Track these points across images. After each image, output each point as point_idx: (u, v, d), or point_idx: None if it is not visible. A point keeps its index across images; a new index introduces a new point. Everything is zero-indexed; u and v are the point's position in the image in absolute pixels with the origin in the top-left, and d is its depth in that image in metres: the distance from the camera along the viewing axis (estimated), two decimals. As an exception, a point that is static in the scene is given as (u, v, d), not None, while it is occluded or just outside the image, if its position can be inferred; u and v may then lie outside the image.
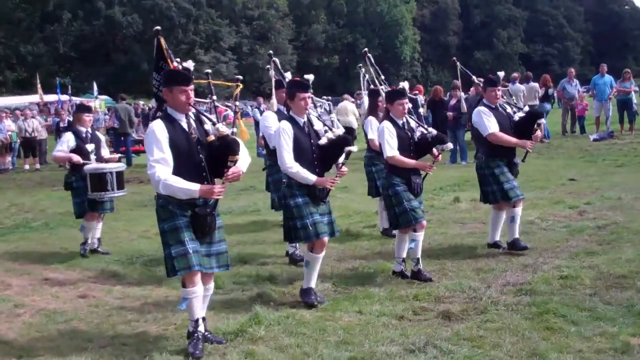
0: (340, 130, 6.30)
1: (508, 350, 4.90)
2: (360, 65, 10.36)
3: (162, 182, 4.85)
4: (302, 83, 6.37)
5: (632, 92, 20.60)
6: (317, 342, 5.20)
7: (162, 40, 7.12)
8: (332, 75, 74.89)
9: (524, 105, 10.07)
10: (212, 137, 5.06)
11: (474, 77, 9.38)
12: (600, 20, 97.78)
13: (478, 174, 7.90)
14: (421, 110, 14.83)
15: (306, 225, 6.10)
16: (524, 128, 7.73)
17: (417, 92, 15.61)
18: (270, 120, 7.59)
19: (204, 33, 67.12)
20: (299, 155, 6.09)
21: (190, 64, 5.90)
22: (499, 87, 7.91)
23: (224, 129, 5.02)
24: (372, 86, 9.18)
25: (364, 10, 78.81)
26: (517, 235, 7.70)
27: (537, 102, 19.01)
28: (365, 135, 9.07)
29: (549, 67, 72.97)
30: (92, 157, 8.70)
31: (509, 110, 7.99)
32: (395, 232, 7.41)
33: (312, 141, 6.21)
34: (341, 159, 6.36)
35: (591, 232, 8.36)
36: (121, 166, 8.89)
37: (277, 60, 8.13)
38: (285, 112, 7.16)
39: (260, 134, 8.46)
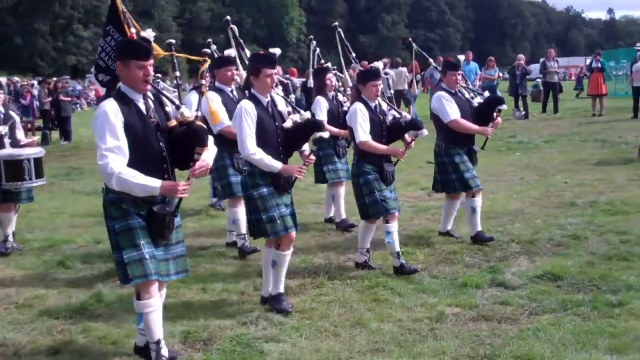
0: (307, 114, 5.70)
1: (334, 320, 5.29)
2: (312, 37, 9.82)
3: (116, 176, 4.05)
4: (269, 57, 5.66)
5: (496, 80, 21.69)
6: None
7: (119, 1, 6.03)
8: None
9: (406, 91, 10.01)
10: (173, 122, 4.38)
11: (430, 60, 9.28)
12: (480, 8, 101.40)
13: (437, 161, 7.54)
14: (292, 96, 14.47)
15: (273, 219, 5.45)
16: (484, 114, 7.51)
17: (288, 75, 15.67)
18: (215, 101, 6.87)
19: (82, 7, 64.56)
20: (262, 140, 5.41)
21: (149, 34, 4.77)
22: (460, 71, 7.64)
23: (188, 113, 4.40)
24: (322, 62, 8.86)
25: (252, -10, 78.39)
26: (479, 228, 7.49)
27: (405, 86, 19.70)
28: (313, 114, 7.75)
29: (431, 53, 74.64)
30: (6, 141, 7.58)
31: (467, 95, 7.71)
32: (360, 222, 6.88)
33: (276, 124, 5.55)
34: (306, 146, 5.85)
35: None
36: (40, 152, 7.75)
37: (235, 28, 7.42)
38: (228, 92, 7.10)
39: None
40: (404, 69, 20.44)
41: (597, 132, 17.13)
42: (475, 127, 7.34)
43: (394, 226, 6.53)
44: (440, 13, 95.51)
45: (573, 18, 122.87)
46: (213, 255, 7.35)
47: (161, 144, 4.34)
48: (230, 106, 6.75)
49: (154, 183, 4.16)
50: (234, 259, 7.20)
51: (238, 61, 7.41)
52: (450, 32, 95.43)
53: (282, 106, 5.78)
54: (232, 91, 7.30)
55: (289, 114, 5.71)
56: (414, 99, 21.51)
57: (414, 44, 9.45)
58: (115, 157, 4.08)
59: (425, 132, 6.59)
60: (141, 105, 4.34)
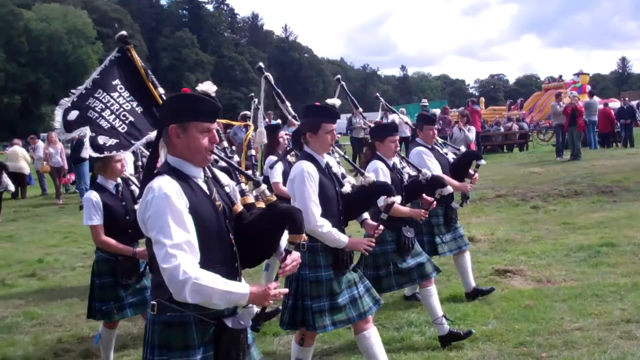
0: (372, 176, 4.92)
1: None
2: (252, 94, 8.99)
3: (192, 283, 2.87)
4: (329, 110, 4.81)
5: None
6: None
7: (134, 54, 5.10)
8: (13, 116, 70.88)
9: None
10: (240, 207, 3.37)
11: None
12: (282, 67, 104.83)
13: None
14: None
15: (323, 310, 4.58)
16: (461, 169, 7.26)
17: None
18: None
19: None
20: (323, 209, 4.57)
21: (210, 87, 3.47)
22: (436, 126, 7.39)
23: (268, 192, 3.36)
24: (265, 118, 7.91)
25: (48, 49, 75.71)
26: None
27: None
28: (266, 177, 7.30)
29: (237, 110, 76.17)
30: None
31: (439, 149, 7.34)
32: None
33: (336, 188, 4.75)
34: (366, 214, 5.13)
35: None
36: None
37: (270, 76, 6.01)
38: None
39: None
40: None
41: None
42: (455, 182, 7.01)
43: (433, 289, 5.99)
44: (244, 72, 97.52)
45: (370, 75, 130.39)
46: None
47: (230, 235, 3.26)
48: None
49: (242, 289, 3.02)
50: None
51: (261, 114, 6.55)
52: (255, 90, 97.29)
53: (336, 167, 5.00)
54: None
55: (343, 176, 4.97)
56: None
57: (381, 100, 8.49)
58: (187, 257, 2.92)
59: (449, 189, 6.15)
60: (202, 184, 3.25)
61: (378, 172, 5.62)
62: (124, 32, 5.10)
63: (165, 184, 3.02)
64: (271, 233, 3.32)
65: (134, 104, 5.01)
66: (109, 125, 4.90)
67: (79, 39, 76.23)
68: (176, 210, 2.97)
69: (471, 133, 15.20)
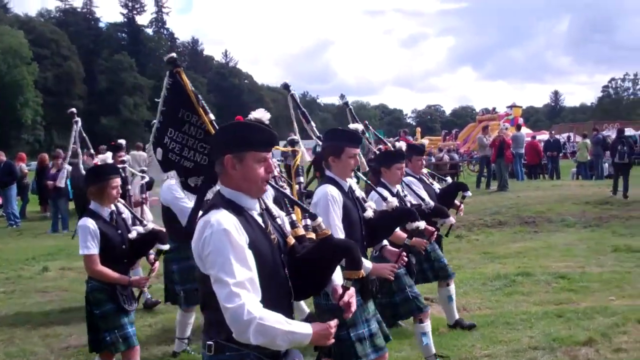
0: (395, 200, 4.85)
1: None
2: None
3: (257, 324, 2.71)
4: (352, 134, 4.77)
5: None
6: None
7: (184, 77, 4.66)
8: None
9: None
10: (291, 240, 3.20)
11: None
12: (222, 93, 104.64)
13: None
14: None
15: (362, 338, 4.41)
16: (447, 200, 7.21)
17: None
18: (179, 190, 5.67)
19: None
20: (347, 234, 4.44)
21: (264, 115, 3.29)
22: (425, 156, 7.32)
23: (323, 225, 3.13)
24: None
25: (-19, 69, 74.00)
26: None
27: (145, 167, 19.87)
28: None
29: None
30: None
31: (426, 180, 7.28)
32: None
33: (359, 213, 4.64)
34: (385, 241, 5.02)
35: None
36: None
37: (296, 94, 5.77)
38: None
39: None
40: (144, 153, 20.66)
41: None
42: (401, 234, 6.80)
43: (428, 326, 5.97)
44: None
45: (309, 103, 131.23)
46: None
47: (285, 270, 3.08)
48: None
49: (305, 329, 2.86)
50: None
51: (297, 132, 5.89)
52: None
53: (358, 191, 4.91)
54: None
55: (364, 200, 4.88)
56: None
57: (349, 108, 7.53)
58: (250, 296, 2.76)
59: (452, 220, 6.02)
60: (257, 217, 3.08)
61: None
62: (173, 55, 4.71)
63: (223, 219, 2.85)
64: (325, 267, 3.14)
65: (204, 127, 4.62)
66: (192, 164, 4.61)
67: (15, 59, 74.70)
68: (237, 246, 2.80)
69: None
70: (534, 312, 7.63)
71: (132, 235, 5.28)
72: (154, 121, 4.85)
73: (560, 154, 31.92)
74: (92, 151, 8.38)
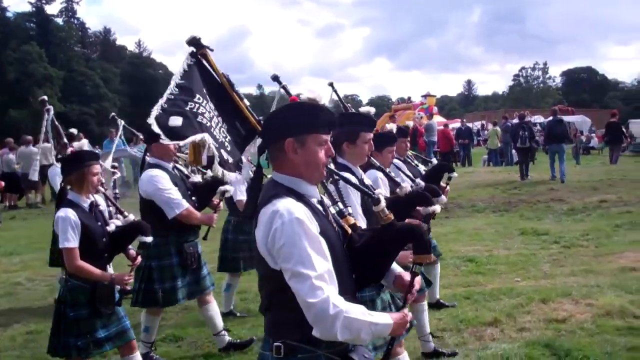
0: (407, 186, 4.65)
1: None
2: None
3: (344, 317, 2.53)
4: (368, 119, 4.57)
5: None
6: None
7: (212, 59, 4.26)
8: None
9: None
10: (348, 229, 3.00)
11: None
12: (135, 83, 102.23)
13: None
14: None
15: None
16: (433, 182, 6.53)
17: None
18: (162, 181, 5.72)
19: None
20: (369, 221, 4.11)
21: (319, 94, 3.12)
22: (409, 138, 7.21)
23: (387, 210, 3.00)
24: None
25: None
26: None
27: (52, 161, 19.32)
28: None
29: (88, 127, 73.89)
30: None
31: (411, 162, 7.23)
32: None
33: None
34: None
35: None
36: None
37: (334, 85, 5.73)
38: (169, 168, 5.90)
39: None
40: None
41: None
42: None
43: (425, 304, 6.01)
44: (94, 87, 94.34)
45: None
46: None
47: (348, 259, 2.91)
48: (180, 185, 5.94)
49: (386, 319, 2.71)
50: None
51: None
52: (107, 106, 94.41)
53: (367, 179, 4.68)
54: (174, 167, 6.10)
55: (374, 188, 4.46)
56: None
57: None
58: (331, 289, 2.57)
59: (438, 208, 5.60)
60: (317, 205, 2.88)
61: (378, 181, 5.08)
62: (195, 35, 4.21)
63: (294, 207, 2.63)
64: (387, 255, 2.96)
65: (219, 119, 4.20)
66: (220, 139, 4.11)
67: None
68: (312, 236, 2.59)
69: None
70: (442, 296, 7.81)
71: (111, 228, 4.96)
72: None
73: (474, 142, 32.79)
74: (65, 140, 7.74)
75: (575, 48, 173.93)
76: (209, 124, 4.05)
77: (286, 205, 2.62)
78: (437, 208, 4.61)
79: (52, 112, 6.91)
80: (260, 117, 4.23)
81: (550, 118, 20.13)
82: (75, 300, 4.73)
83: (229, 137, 4.14)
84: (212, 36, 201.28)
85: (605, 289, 7.63)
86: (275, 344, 2.69)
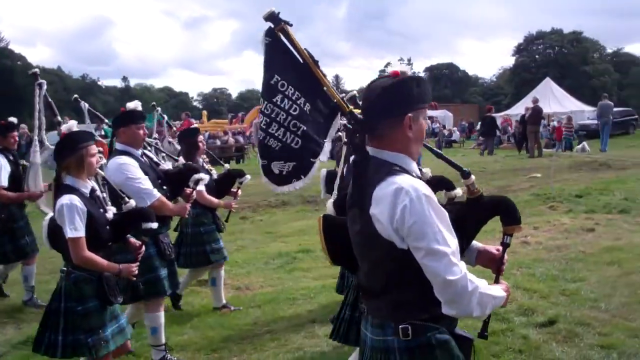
0: (429, 171, 4.53)
1: None
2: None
3: (480, 294, 2.51)
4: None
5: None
6: None
7: (292, 34, 3.57)
8: None
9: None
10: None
11: None
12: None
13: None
14: None
15: None
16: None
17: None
18: (132, 170, 5.39)
19: None
20: None
21: (405, 67, 2.77)
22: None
23: (475, 183, 3.04)
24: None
25: None
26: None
27: None
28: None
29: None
30: None
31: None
32: None
33: None
34: None
35: None
36: None
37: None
38: (138, 155, 5.53)
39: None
40: None
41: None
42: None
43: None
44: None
45: (90, 85, 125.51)
46: None
47: None
48: (150, 173, 5.57)
49: (500, 291, 2.69)
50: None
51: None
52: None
53: None
54: (142, 154, 5.74)
55: None
56: None
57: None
58: (464, 265, 2.51)
59: (459, 192, 5.19)
60: None
61: None
62: (273, 9, 3.62)
63: (417, 184, 2.49)
64: (472, 228, 2.99)
65: (301, 102, 3.79)
66: (279, 144, 3.76)
67: None
68: (441, 212, 2.49)
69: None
70: (313, 287, 7.93)
71: (109, 215, 4.58)
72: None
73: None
74: (58, 118, 6.78)
75: (436, 45, 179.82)
76: (260, 134, 3.83)
77: (408, 181, 2.49)
78: (458, 192, 4.48)
79: (44, 86, 6.25)
80: (342, 94, 4.00)
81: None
82: (83, 293, 4.37)
83: (302, 127, 3.79)
84: (73, 26, 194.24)
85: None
86: (401, 326, 2.59)
